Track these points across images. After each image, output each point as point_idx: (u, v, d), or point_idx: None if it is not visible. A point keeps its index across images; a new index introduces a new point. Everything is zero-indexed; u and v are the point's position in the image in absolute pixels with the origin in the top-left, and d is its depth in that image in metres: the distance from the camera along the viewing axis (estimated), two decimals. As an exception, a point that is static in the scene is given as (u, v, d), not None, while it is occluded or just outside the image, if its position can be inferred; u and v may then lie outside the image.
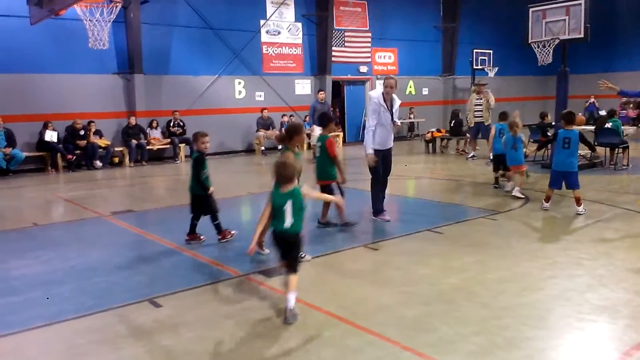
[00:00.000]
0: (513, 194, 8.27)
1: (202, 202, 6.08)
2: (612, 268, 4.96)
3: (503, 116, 10.14)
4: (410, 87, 21.37)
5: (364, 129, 19.32)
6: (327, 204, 6.65)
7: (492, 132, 9.77)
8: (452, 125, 15.53)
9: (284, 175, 4.06)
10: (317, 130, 12.44)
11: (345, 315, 4.01)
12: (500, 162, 9.05)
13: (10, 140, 12.76)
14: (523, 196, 8.19)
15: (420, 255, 5.57)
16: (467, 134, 14.65)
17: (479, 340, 3.54)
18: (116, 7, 7.82)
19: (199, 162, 6.05)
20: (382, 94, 6.80)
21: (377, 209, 7.09)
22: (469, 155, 13.71)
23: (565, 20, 10.76)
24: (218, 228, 6.17)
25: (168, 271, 5.34)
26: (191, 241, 6.18)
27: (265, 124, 16.42)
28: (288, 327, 3.86)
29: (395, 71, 20.82)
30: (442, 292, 4.46)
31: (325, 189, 6.50)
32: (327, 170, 6.52)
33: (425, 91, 21.83)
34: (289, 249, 4.12)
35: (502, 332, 3.66)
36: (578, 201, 7.15)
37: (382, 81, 7.10)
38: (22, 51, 13.01)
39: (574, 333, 3.67)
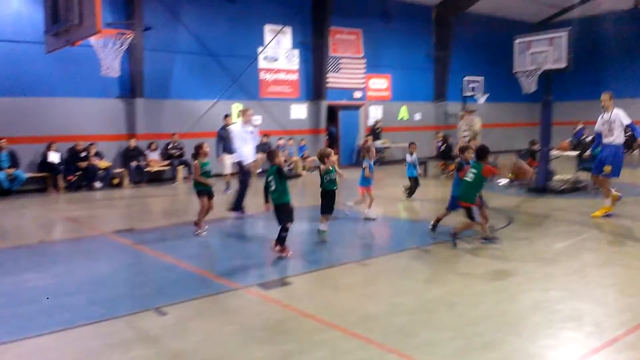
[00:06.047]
0: None
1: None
2: (583, 283, 5.37)
3: None
4: (403, 112, 21.97)
5: (358, 153, 19.97)
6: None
7: None
8: (442, 149, 16.05)
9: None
10: (227, 159, 12.76)
11: (337, 322, 4.39)
12: None
13: (14, 161, 13.14)
14: None
15: (408, 270, 5.97)
16: (456, 159, 15.11)
17: (456, 344, 3.93)
18: (127, 38, 8.33)
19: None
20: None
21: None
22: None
23: (548, 51, 11.32)
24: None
25: (171, 284, 5.69)
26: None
27: (263, 147, 16.85)
28: (285, 332, 4.23)
29: (388, 97, 21.44)
30: (425, 303, 4.85)
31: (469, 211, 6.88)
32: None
33: (417, 116, 22.43)
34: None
35: (478, 337, 4.05)
36: None
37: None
38: (31, 76, 13.46)
39: (543, 338, 4.05)
